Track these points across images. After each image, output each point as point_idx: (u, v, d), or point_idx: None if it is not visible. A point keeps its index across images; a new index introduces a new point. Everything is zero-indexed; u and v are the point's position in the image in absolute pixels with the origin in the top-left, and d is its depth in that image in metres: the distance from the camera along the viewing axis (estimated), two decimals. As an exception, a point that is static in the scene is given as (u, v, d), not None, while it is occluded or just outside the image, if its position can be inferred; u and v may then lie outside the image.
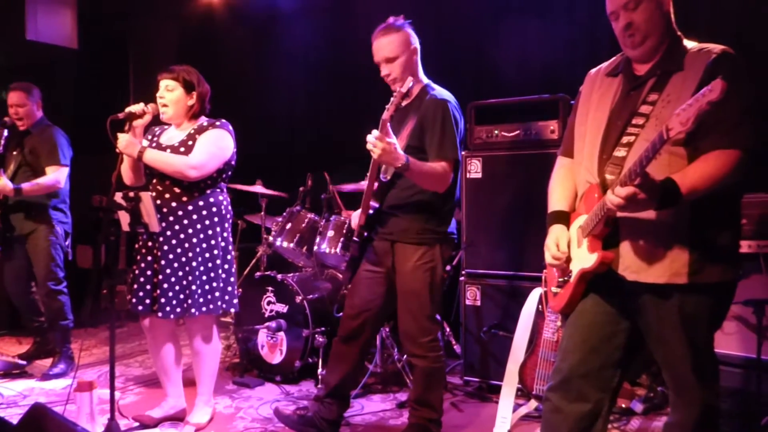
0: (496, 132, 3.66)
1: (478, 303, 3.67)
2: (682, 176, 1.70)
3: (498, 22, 4.74)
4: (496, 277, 3.64)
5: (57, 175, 3.93)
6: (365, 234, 2.83)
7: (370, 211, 2.78)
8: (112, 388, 2.74)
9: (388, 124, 2.52)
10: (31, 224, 3.99)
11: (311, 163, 4.63)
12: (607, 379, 1.95)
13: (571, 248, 1.97)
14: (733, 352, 3.00)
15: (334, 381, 2.92)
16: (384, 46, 2.73)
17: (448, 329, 4.03)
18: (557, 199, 2.09)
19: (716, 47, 1.83)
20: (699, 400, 1.88)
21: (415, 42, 2.78)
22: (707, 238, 1.80)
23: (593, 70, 2.13)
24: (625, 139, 1.85)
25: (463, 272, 3.73)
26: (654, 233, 1.80)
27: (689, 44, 1.89)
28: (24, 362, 4.16)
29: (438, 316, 2.94)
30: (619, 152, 1.85)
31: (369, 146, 2.49)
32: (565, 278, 1.99)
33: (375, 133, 2.48)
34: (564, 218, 2.03)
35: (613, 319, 1.94)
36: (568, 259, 1.97)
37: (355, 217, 2.91)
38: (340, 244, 3.65)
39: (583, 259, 1.89)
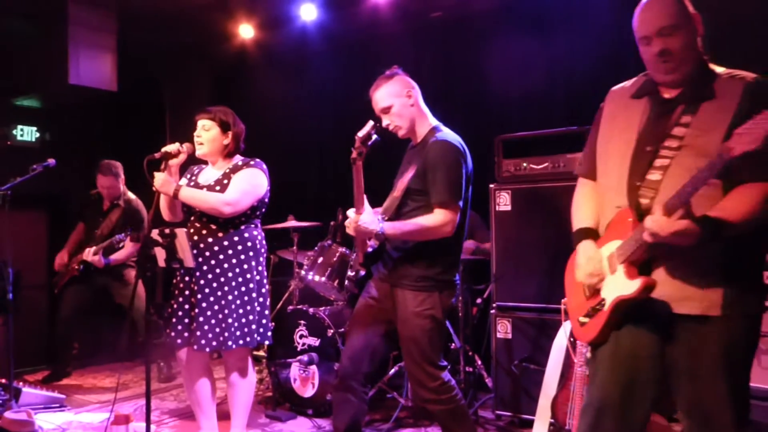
0: (524, 165, 3.70)
1: (509, 336, 3.66)
2: (719, 211, 1.68)
3: (523, 54, 4.81)
4: (526, 310, 3.63)
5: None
6: (362, 273, 2.82)
7: (369, 249, 2.76)
8: (148, 422, 2.78)
9: (364, 197, 2.64)
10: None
11: (341, 197, 4.70)
12: (643, 414, 1.90)
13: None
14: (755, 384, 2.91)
15: (344, 425, 2.83)
16: (379, 98, 2.77)
17: (479, 362, 4.02)
18: (583, 216, 2.05)
19: (748, 75, 1.80)
20: None
21: (410, 87, 2.79)
22: (740, 268, 1.78)
23: (616, 88, 2.08)
24: (658, 162, 1.81)
25: (494, 305, 3.73)
26: (689, 263, 1.77)
27: (717, 69, 1.86)
28: (63, 396, 4.25)
29: (445, 361, 2.84)
30: (653, 175, 1.82)
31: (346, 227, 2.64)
32: (597, 306, 1.91)
33: (351, 213, 2.61)
34: (592, 235, 1.98)
35: (650, 353, 1.87)
36: (598, 287, 1.92)
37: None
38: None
39: (621, 286, 1.83)
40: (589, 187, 2.10)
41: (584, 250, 1.97)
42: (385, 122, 2.80)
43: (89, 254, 4.50)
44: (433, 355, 2.70)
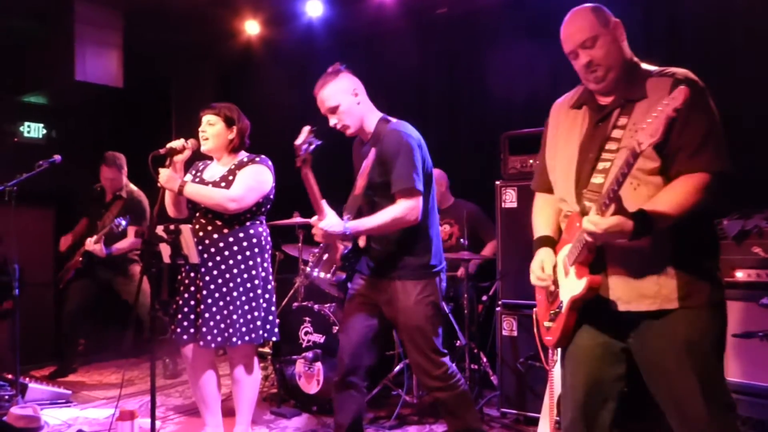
0: (531, 161, 3.67)
1: (515, 333, 3.64)
2: (652, 205, 1.73)
3: (530, 51, 4.78)
4: (532, 308, 3.57)
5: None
6: (343, 276, 2.81)
7: (344, 251, 2.73)
8: (153, 418, 2.78)
9: (323, 202, 2.60)
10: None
11: (347, 194, 4.69)
12: (610, 412, 1.92)
13: (558, 278, 1.96)
14: (763, 383, 2.89)
15: (347, 421, 2.85)
16: (326, 97, 2.71)
17: (484, 360, 4.01)
18: (540, 225, 2.11)
19: (678, 71, 1.85)
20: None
21: (356, 84, 2.75)
22: (692, 261, 1.80)
23: (558, 101, 2.14)
24: (600, 166, 1.86)
25: (500, 303, 3.72)
26: (638, 260, 1.81)
27: (648, 68, 1.91)
28: (69, 392, 4.26)
29: (444, 349, 2.85)
30: (596, 179, 1.86)
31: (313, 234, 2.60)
32: (557, 310, 1.96)
33: (313, 220, 2.59)
34: (549, 242, 2.04)
35: (610, 351, 1.92)
36: (556, 291, 1.96)
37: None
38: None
39: (572, 286, 1.88)
40: (544, 198, 2.16)
41: (539, 256, 2.03)
42: (332, 122, 2.75)
43: (90, 243, 4.49)
44: (437, 342, 2.73)
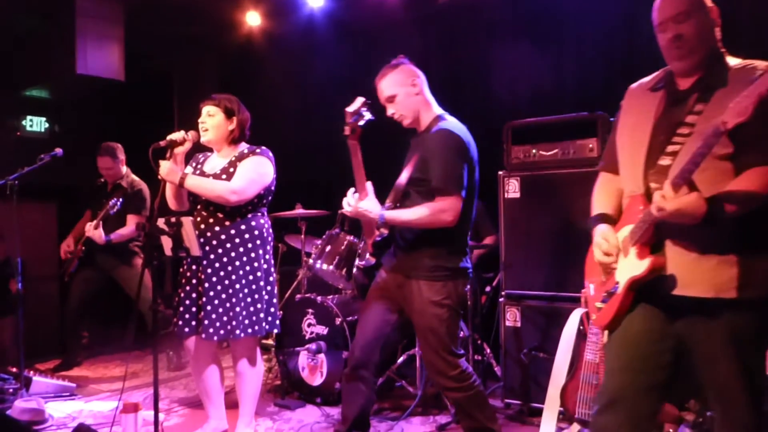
0: (533, 151, 3.65)
1: (518, 324, 3.63)
2: (726, 194, 1.70)
3: (533, 41, 4.75)
4: (535, 299, 3.60)
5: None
6: (372, 262, 2.80)
7: (378, 238, 2.72)
8: (156, 410, 2.79)
9: (368, 183, 2.61)
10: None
11: (349, 186, 4.69)
12: (654, 400, 1.91)
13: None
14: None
15: (353, 414, 2.86)
16: (384, 87, 2.77)
17: (488, 350, 4.00)
18: (600, 202, 2.10)
19: (762, 63, 1.82)
20: (748, 422, 1.81)
21: (415, 76, 2.77)
22: (754, 252, 1.77)
23: (634, 85, 2.12)
24: (669, 149, 1.85)
25: (503, 293, 3.70)
26: (699, 245, 1.78)
27: (732, 61, 1.89)
28: (73, 385, 4.28)
29: (460, 350, 2.82)
30: (664, 161, 1.85)
31: (345, 207, 2.57)
32: (611, 291, 1.94)
33: (350, 195, 2.56)
34: (609, 220, 2.02)
35: (660, 337, 1.89)
36: (612, 271, 1.94)
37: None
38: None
39: (632, 267, 1.86)
40: (608, 178, 2.14)
41: (600, 230, 2.01)
42: (390, 111, 2.78)
43: (90, 229, 4.42)
44: (451, 343, 2.71)
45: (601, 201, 2.10)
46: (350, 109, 2.55)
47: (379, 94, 2.80)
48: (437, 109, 2.82)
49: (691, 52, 1.86)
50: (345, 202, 2.61)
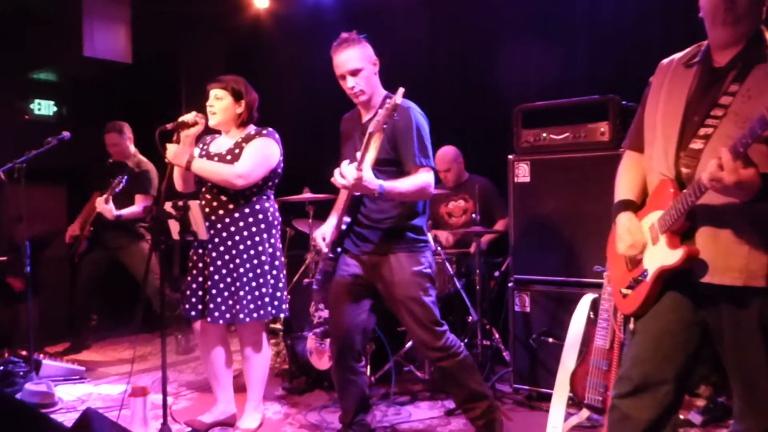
0: (544, 135, 3.59)
1: (528, 309, 3.60)
2: None
3: (544, 23, 4.68)
4: (545, 284, 3.56)
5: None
6: (338, 249, 2.78)
7: (343, 226, 2.72)
8: (165, 394, 2.80)
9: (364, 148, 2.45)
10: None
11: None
12: (678, 389, 1.87)
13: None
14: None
15: (351, 405, 2.88)
16: (349, 58, 2.67)
17: (497, 336, 3.98)
18: (624, 188, 2.03)
19: None
20: None
21: (374, 56, 2.76)
22: None
23: (665, 61, 2.03)
24: (702, 131, 1.78)
25: (512, 278, 3.67)
26: (730, 232, 1.74)
27: None
28: (83, 368, 4.30)
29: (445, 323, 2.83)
30: (696, 144, 1.79)
31: (338, 179, 2.41)
32: (639, 278, 1.90)
33: (345, 166, 2.41)
34: (632, 207, 1.97)
35: (687, 327, 1.86)
36: (639, 258, 1.90)
37: (320, 234, 2.81)
38: None
39: (664, 256, 1.81)
40: (633, 158, 2.08)
41: (623, 222, 1.96)
42: (350, 83, 2.69)
43: (101, 203, 4.28)
44: (435, 312, 2.74)
45: (624, 185, 2.04)
46: (396, 100, 2.38)
47: (340, 65, 2.69)
48: (383, 90, 2.80)
49: (739, 19, 1.77)
50: (338, 173, 2.43)
